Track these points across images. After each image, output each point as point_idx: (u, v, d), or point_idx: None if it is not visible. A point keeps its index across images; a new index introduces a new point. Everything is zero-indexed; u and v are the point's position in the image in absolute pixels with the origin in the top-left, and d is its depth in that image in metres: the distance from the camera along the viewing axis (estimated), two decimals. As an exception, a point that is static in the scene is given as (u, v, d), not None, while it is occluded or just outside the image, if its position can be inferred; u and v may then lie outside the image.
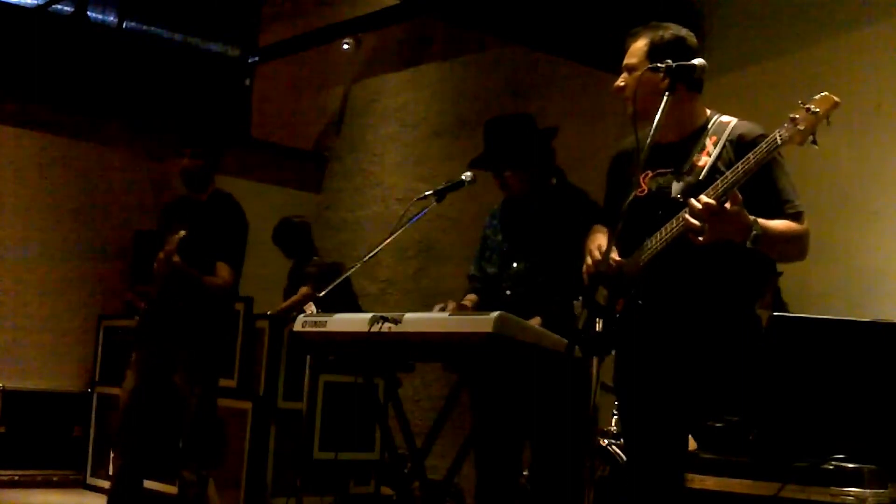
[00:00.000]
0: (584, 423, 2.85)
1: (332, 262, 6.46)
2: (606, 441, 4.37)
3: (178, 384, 4.39)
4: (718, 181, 2.63)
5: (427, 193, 3.74)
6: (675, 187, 2.81)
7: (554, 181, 3.90)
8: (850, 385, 2.98)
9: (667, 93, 2.70)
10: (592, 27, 5.35)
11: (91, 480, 6.76)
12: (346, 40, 7.97)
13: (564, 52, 5.94)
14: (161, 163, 7.69)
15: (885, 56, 4.58)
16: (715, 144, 2.81)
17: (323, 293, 3.67)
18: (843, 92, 2.59)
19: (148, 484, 4.67)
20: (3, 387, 6.81)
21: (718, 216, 2.59)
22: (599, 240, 2.99)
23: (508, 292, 3.79)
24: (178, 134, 4.72)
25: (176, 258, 4.24)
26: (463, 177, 3.74)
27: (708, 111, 2.94)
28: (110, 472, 6.28)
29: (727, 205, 2.59)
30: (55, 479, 6.91)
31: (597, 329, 2.60)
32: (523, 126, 3.91)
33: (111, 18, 7.89)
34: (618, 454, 4.26)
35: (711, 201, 2.59)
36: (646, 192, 2.87)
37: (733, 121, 2.87)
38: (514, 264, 3.83)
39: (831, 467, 2.89)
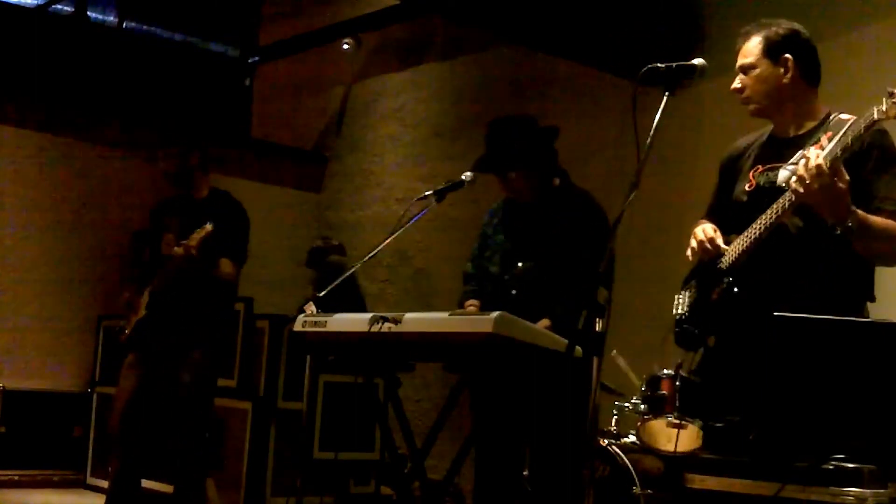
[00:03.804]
0: (584, 423, 2.84)
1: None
2: (606, 441, 4.36)
3: (186, 383, 4.34)
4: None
5: (427, 193, 3.73)
6: (782, 176, 2.80)
7: (557, 181, 3.89)
8: (850, 385, 2.98)
9: (667, 92, 2.68)
10: (593, 27, 5.35)
11: (91, 480, 6.76)
12: (346, 40, 7.96)
13: (564, 51, 5.94)
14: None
15: (885, 56, 4.57)
16: (829, 140, 2.74)
17: (323, 293, 3.67)
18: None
19: (146, 483, 4.67)
20: (3, 387, 6.81)
21: (823, 182, 2.54)
22: (706, 227, 2.98)
23: (514, 292, 3.78)
24: (158, 136, 4.70)
25: (194, 252, 4.17)
26: (463, 177, 3.74)
27: (827, 109, 2.91)
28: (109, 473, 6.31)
29: (835, 178, 2.55)
30: (55, 479, 6.90)
31: (597, 329, 2.58)
32: (526, 127, 3.91)
33: (111, 18, 7.90)
34: (618, 454, 4.26)
35: (823, 162, 2.54)
36: (753, 186, 2.88)
37: (852, 118, 2.80)
38: (519, 264, 3.83)
39: (831, 467, 2.89)
